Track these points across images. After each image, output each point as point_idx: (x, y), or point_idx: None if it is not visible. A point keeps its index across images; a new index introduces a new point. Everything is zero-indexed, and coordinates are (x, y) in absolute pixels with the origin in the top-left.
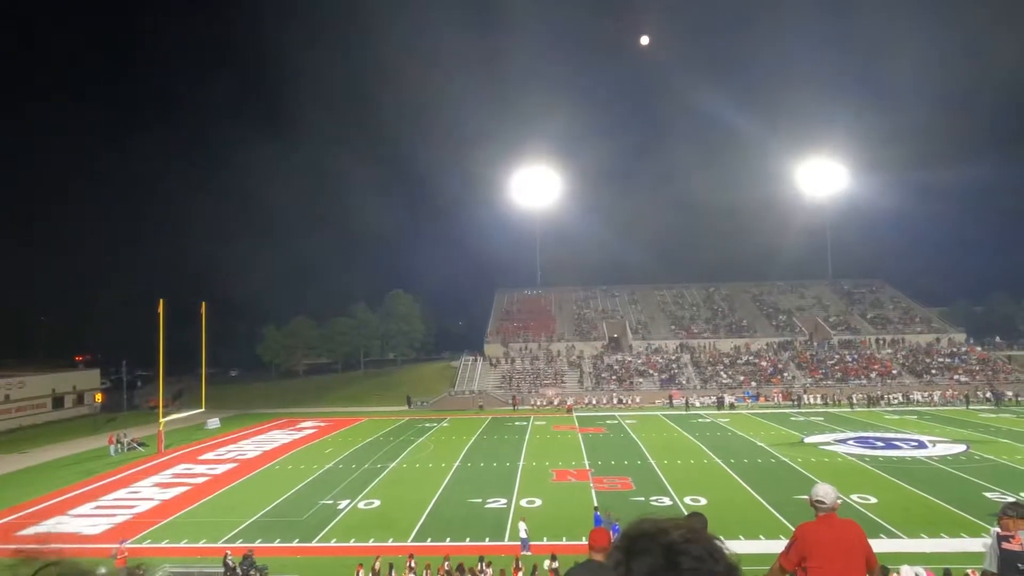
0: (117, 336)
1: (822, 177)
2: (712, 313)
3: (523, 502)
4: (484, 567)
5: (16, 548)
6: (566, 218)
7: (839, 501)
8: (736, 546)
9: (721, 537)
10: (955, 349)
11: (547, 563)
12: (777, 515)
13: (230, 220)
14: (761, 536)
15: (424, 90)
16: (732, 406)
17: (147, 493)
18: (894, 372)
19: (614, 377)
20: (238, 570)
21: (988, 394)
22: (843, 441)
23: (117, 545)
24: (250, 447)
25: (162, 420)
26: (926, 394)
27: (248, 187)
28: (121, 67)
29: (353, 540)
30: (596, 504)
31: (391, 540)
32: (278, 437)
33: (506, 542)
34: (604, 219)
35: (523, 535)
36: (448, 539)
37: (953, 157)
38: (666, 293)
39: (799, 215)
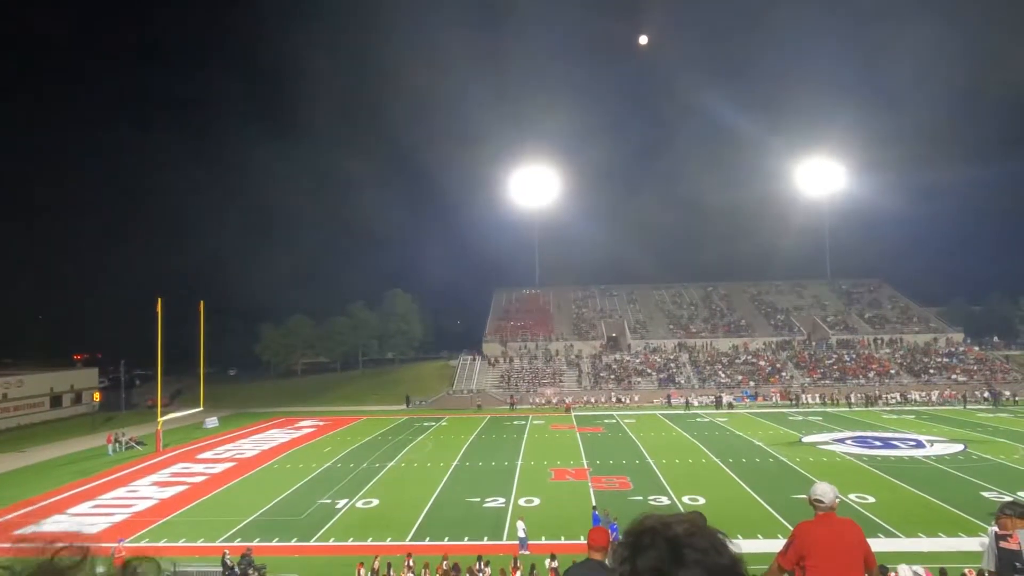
0: (115, 335)
1: (821, 177)
2: (710, 313)
3: (521, 501)
4: (482, 566)
5: (13, 547)
6: (565, 217)
7: (838, 500)
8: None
9: (724, 531)
10: (953, 349)
11: (548, 562)
12: (775, 514)
13: (228, 219)
14: (759, 535)
15: (423, 89)
16: (730, 405)
17: (145, 492)
18: (892, 372)
19: (612, 376)
20: (236, 569)
21: (986, 394)
22: (841, 440)
23: (115, 544)
24: (248, 446)
25: (160, 419)
26: (924, 394)
27: (247, 186)
28: (120, 65)
29: (351, 539)
30: (594, 503)
31: (389, 539)
32: (276, 436)
33: (504, 541)
34: (603, 218)
35: (521, 534)
36: (446, 538)
37: (952, 157)
38: (664, 293)
39: (798, 215)
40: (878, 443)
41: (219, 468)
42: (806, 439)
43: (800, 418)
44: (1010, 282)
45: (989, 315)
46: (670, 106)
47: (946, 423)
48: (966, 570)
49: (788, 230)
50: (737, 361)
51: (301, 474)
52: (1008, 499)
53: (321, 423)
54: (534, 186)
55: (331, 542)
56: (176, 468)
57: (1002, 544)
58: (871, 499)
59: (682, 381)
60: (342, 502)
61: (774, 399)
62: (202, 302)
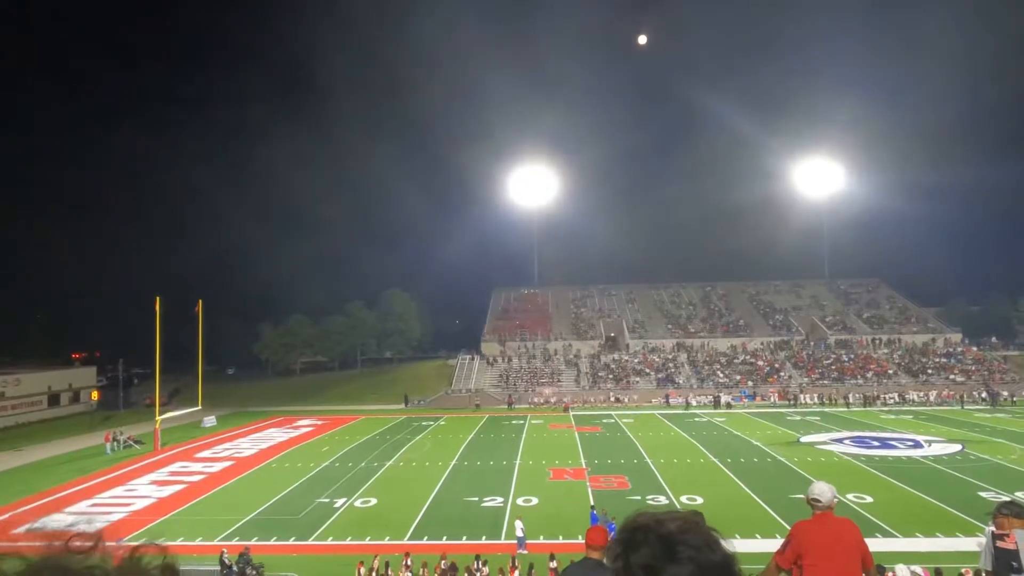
0: (114, 334)
1: (819, 177)
2: (709, 312)
3: (520, 501)
4: (480, 565)
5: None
6: (564, 217)
7: (835, 500)
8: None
9: (719, 530)
10: (951, 349)
11: (548, 563)
12: (773, 514)
13: (228, 218)
14: (757, 535)
15: (422, 89)
16: (729, 405)
17: (143, 491)
18: (890, 372)
19: (611, 376)
20: (234, 568)
21: (984, 394)
22: (839, 440)
23: (113, 543)
24: (247, 445)
25: (158, 418)
26: (922, 394)
27: (246, 186)
28: (118, 63)
29: (350, 538)
30: (592, 503)
31: (388, 538)
32: (275, 435)
33: (502, 540)
34: (601, 218)
35: (519, 534)
36: (445, 537)
37: (951, 157)
38: (663, 292)
39: (796, 215)
40: (876, 443)
41: (217, 467)
42: (804, 439)
43: (798, 418)
44: (1009, 283)
45: (987, 315)
46: (670, 106)
47: (944, 423)
48: (963, 570)
49: (786, 230)
50: (735, 361)
51: (299, 473)
52: (1005, 499)
53: (319, 422)
54: (533, 185)
55: (329, 541)
56: (174, 467)
57: (999, 544)
58: (869, 499)
59: (680, 381)
60: (340, 501)
61: (772, 399)
62: (200, 301)
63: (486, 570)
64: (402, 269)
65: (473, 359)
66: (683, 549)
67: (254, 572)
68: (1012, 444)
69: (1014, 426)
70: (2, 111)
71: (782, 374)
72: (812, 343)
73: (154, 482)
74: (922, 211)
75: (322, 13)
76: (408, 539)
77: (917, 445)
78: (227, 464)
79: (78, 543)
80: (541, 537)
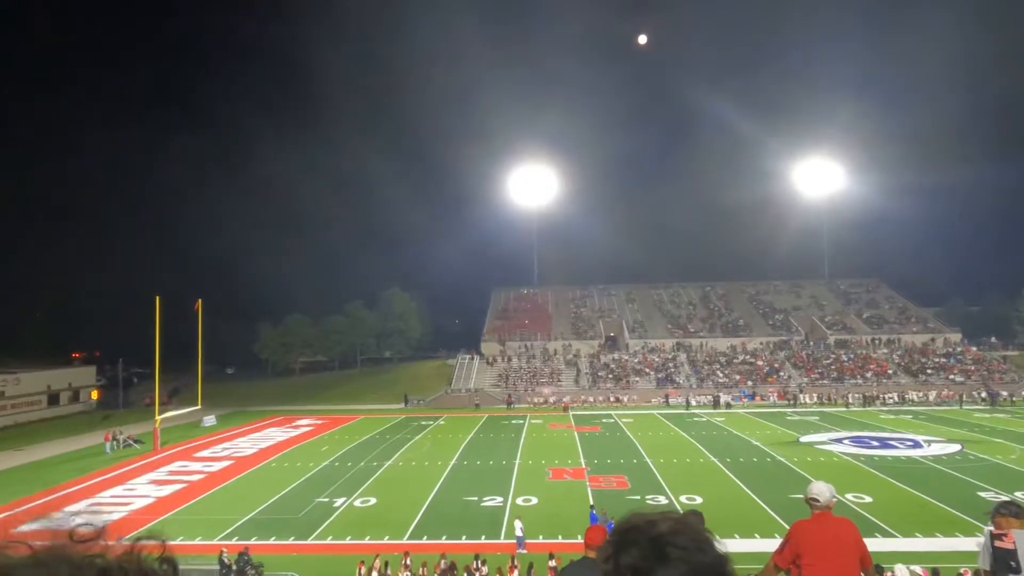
0: (113, 333)
1: (819, 177)
2: (709, 312)
3: (519, 500)
4: (480, 565)
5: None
6: (564, 217)
7: (834, 499)
8: (731, 545)
9: (713, 531)
10: (951, 349)
11: (548, 562)
12: (772, 514)
13: (227, 218)
14: (756, 535)
15: (422, 89)
16: (728, 405)
17: (143, 490)
18: (890, 372)
19: (610, 376)
20: (233, 568)
21: (983, 394)
22: (839, 440)
23: (114, 541)
24: (246, 445)
25: (158, 417)
26: (921, 394)
27: (246, 186)
28: (117, 62)
29: (349, 538)
30: (592, 502)
31: (387, 538)
32: (274, 435)
33: (502, 540)
34: (601, 218)
35: (519, 533)
36: (444, 537)
37: (950, 157)
38: (663, 292)
39: (796, 215)
40: (875, 443)
41: (217, 466)
42: (804, 439)
43: (798, 418)
44: (1008, 283)
45: (987, 315)
46: (669, 106)
47: (943, 423)
48: (962, 570)
49: (786, 230)
50: (735, 361)
51: (299, 473)
52: (1004, 499)
53: (319, 422)
54: (533, 186)
55: (328, 540)
56: (174, 466)
57: (997, 543)
58: (868, 499)
59: (680, 381)
60: (340, 501)
61: (772, 399)
62: (200, 300)
63: (485, 570)
64: (402, 269)
65: (473, 359)
66: (673, 551)
67: (253, 572)
68: (1011, 444)
69: (1013, 426)
70: (2, 111)
71: (782, 374)
72: (812, 343)
73: (153, 481)
74: (921, 211)
75: (323, 13)
76: (407, 539)
77: (916, 445)
78: (227, 463)
79: (82, 533)
80: (540, 537)
